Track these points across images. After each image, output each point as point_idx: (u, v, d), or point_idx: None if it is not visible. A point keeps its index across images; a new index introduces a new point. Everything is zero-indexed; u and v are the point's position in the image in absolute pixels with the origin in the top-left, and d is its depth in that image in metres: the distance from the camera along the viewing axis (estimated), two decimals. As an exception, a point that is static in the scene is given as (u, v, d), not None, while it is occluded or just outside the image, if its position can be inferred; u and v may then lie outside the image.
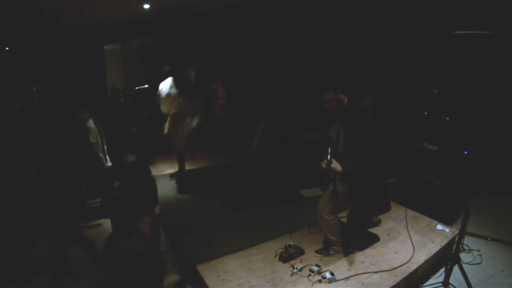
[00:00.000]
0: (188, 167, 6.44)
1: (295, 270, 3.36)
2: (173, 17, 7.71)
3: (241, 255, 3.74)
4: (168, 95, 5.70)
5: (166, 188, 5.74)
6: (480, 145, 5.17)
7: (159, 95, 5.82)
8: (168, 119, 5.75)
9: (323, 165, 3.10)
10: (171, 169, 6.47)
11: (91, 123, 4.97)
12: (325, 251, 3.64)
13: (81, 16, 7.11)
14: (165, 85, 5.77)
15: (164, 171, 6.55)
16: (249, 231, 4.18)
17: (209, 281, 3.34)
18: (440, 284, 3.23)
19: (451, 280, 3.18)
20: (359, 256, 3.53)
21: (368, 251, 3.61)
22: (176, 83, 5.74)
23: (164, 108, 5.80)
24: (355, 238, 3.78)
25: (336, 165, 3.06)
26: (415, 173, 4.78)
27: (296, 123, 6.58)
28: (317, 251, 3.67)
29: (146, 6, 6.95)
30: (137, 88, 8.39)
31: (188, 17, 7.75)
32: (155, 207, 3.19)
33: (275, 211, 4.74)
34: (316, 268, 3.31)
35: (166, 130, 5.82)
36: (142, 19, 7.90)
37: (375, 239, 3.83)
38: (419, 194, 4.61)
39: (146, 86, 8.36)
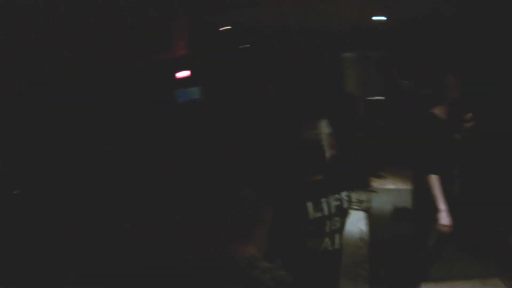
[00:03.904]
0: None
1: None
2: (409, 29, 7.74)
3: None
4: None
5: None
6: None
7: None
8: None
9: None
10: (391, 185, 6.74)
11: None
12: None
13: (319, 21, 7.87)
14: None
15: (385, 185, 6.89)
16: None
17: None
18: None
19: None
20: None
21: None
22: None
23: None
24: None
25: None
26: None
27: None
28: None
29: (380, 18, 7.26)
30: (369, 98, 8.88)
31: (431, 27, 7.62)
32: None
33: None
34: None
35: None
36: (379, 28, 8.25)
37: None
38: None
39: (381, 98, 8.74)
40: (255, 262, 1.61)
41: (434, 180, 3.36)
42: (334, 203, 2.47)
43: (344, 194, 2.49)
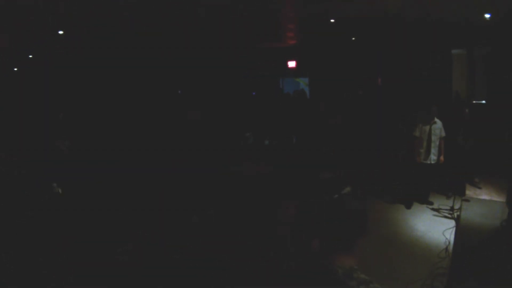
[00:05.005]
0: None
1: None
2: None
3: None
4: None
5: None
6: None
7: None
8: None
9: None
10: (486, 195, 6.70)
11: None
12: None
13: (427, 16, 7.91)
14: None
15: (479, 195, 6.90)
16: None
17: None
18: None
19: None
20: None
21: None
22: None
23: None
24: None
25: None
26: None
27: None
28: None
29: (487, 15, 7.07)
30: (474, 102, 8.63)
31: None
32: None
33: None
34: None
35: None
36: (486, 26, 7.97)
37: None
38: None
39: (484, 102, 8.48)
40: (353, 273, 1.58)
41: None
42: None
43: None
